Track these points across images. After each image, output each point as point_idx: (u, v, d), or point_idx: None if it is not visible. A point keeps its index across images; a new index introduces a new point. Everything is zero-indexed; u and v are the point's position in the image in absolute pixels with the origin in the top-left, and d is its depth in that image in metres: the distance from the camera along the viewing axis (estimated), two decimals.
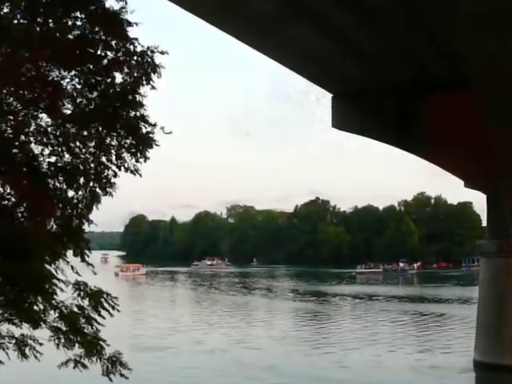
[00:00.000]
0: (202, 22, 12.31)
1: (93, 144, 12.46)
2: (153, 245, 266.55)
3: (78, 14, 12.02)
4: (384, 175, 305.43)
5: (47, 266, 11.98)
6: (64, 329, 11.86)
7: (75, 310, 12.12)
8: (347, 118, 17.19)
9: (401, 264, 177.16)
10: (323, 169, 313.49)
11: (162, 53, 12.43)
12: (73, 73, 12.14)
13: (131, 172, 12.65)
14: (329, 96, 17.26)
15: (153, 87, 12.52)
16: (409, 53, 13.14)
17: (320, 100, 17.79)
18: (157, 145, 12.68)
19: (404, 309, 77.19)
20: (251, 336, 54.37)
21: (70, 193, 12.57)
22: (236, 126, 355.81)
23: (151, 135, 12.61)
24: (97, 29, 12.04)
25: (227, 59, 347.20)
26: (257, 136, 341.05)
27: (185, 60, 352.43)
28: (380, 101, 15.87)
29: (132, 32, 12.28)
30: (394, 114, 15.97)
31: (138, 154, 12.61)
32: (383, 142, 17.64)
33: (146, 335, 53.70)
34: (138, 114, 12.62)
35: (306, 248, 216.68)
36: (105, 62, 12.25)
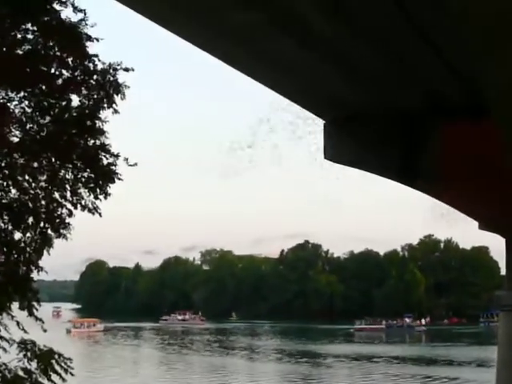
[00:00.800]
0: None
1: (44, 177, 12.39)
2: (114, 296, 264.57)
3: (29, 25, 11.99)
4: (385, 215, 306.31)
5: None
6: None
7: (20, 373, 11.97)
8: (342, 148, 17.20)
9: (406, 319, 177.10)
10: (313, 209, 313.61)
11: (127, 70, 12.40)
12: (22, 94, 12.09)
13: (89, 211, 12.57)
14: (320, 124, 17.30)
15: (115, 111, 12.49)
16: (414, 72, 13.18)
17: (311, 130, 17.82)
18: (119, 179, 12.62)
19: (411, 372, 76.94)
20: None
21: (17, 235, 12.48)
22: (217, 161, 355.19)
23: (113, 167, 12.56)
24: (51, 43, 12.03)
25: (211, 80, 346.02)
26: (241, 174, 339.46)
27: (156, 79, 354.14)
28: (382, 129, 15.91)
29: (92, 48, 12.32)
30: (397, 144, 15.99)
31: (98, 190, 12.53)
32: (385, 177, 17.68)
33: None
34: (97, 142, 12.56)
35: (294, 300, 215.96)
36: (59, 81, 12.23)
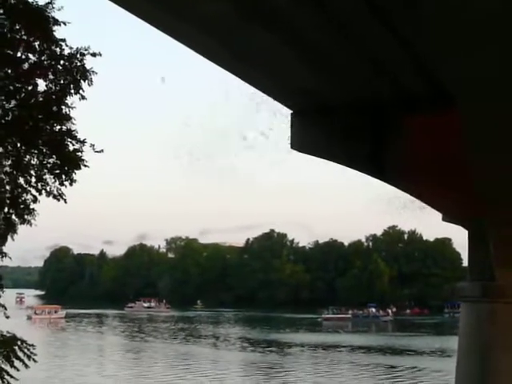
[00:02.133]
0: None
1: (9, 162, 12.27)
2: (78, 283, 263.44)
3: None
4: (349, 205, 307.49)
5: None
6: None
7: None
8: (309, 138, 17.18)
9: (373, 310, 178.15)
10: (278, 199, 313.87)
11: (94, 55, 12.29)
12: None
13: (54, 197, 12.46)
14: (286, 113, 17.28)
15: (82, 97, 12.38)
16: (379, 63, 13.15)
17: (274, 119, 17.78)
18: (85, 165, 12.52)
19: (374, 361, 77.49)
20: None
21: None
22: (179, 145, 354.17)
23: (79, 154, 12.46)
24: (17, 27, 11.90)
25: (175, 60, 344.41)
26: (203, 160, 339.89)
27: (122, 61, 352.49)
28: (348, 119, 15.91)
29: (59, 32, 12.19)
30: (364, 136, 16.01)
31: (63, 176, 12.43)
32: (352, 168, 17.70)
33: None
34: (63, 128, 12.45)
35: (259, 289, 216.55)
36: (26, 66, 12.10)
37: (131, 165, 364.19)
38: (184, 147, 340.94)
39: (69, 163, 12.39)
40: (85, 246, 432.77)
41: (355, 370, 70.59)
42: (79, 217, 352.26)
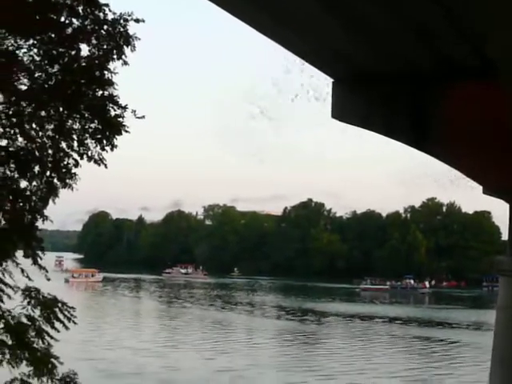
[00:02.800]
0: None
1: (51, 127, 12.35)
2: (116, 248, 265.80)
3: None
4: (386, 177, 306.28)
5: None
6: (10, 342, 11.79)
7: (24, 320, 12.06)
8: (349, 107, 17.08)
9: (411, 281, 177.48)
10: (319, 167, 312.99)
11: (137, 21, 12.27)
12: (31, 42, 12.00)
13: (95, 162, 12.54)
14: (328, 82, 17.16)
15: (125, 62, 12.39)
16: (422, 30, 12.97)
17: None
18: (127, 131, 12.56)
19: (411, 333, 77.39)
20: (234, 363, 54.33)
21: (23, 183, 12.49)
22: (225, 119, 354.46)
23: (121, 119, 12.51)
24: None
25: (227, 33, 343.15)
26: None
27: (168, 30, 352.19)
28: (389, 88, 15.78)
29: None
30: (405, 105, 15.88)
31: (104, 141, 12.49)
32: (391, 138, 17.58)
33: (108, 357, 53.60)
34: (106, 93, 12.50)
35: (296, 258, 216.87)
36: (69, 30, 12.14)
37: (172, 131, 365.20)
38: (224, 121, 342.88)
39: (110, 128, 12.44)
40: (123, 211, 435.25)
41: (391, 341, 70.63)
42: (117, 181, 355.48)
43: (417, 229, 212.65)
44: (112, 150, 12.61)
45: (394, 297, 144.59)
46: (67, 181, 12.53)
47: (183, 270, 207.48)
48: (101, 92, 12.46)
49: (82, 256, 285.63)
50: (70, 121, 12.43)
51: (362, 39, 13.77)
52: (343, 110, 16.79)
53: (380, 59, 14.94)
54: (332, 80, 16.89)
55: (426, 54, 14.41)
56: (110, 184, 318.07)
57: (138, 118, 12.51)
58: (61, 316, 12.26)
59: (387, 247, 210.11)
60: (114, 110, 12.48)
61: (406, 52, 14.36)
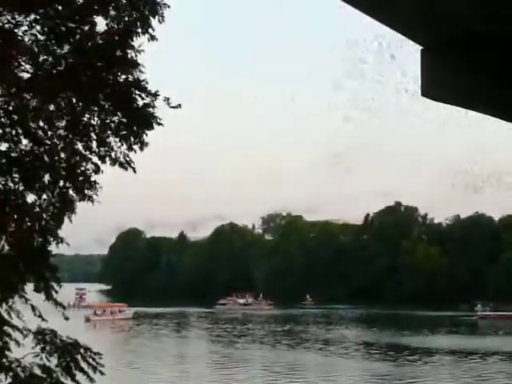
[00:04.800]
0: None
1: (63, 124, 12.40)
2: (152, 274, 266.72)
3: None
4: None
5: None
6: None
7: (37, 372, 12.11)
8: (446, 81, 17.03)
9: None
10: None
11: None
12: (32, 17, 12.02)
13: (121, 165, 12.55)
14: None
15: (152, 37, 12.34)
16: None
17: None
18: (159, 123, 12.55)
19: None
20: None
21: (30, 197, 12.54)
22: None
23: (150, 110, 12.52)
24: None
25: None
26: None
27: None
28: (497, 55, 15.75)
29: None
30: (503, 77, 15.84)
31: (132, 139, 12.48)
32: (499, 118, 17.51)
33: None
34: (130, 78, 12.49)
35: (382, 279, 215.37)
36: (80, 0, 12.17)
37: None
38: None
39: (138, 122, 12.41)
40: (158, 226, 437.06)
41: None
42: (150, 189, 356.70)
43: None
44: (142, 149, 12.59)
45: None
46: (86, 191, 12.56)
47: (241, 300, 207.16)
48: (124, 76, 12.42)
49: (108, 287, 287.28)
50: (87, 115, 12.44)
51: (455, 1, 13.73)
52: (437, 85, 16.70)
53: (474, 24, 14.87)
54: (421, 48, 16.86)
55: None
56: (142, 193, 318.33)
57: (173, 107, 12.47)
58: (84, 365, 12.29)
59: (503, 261, 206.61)
60: (142, 99, 12.43)
61: (501, 16, 14.26)
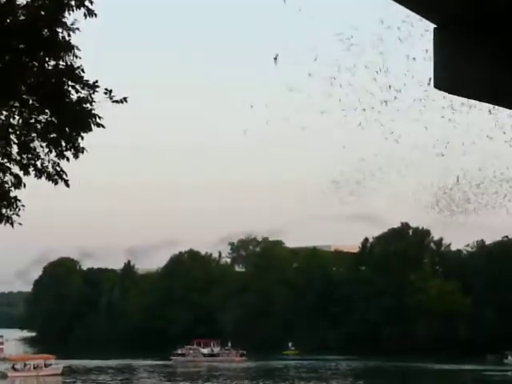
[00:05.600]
0: None
1: None
2: (89, 317, 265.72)
3: None
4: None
5: None
6: None
7: None
8: (464, 69, 17.29)
9: None
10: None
11: None
12: None
13: (49, 178, 12.51)
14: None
15: (90, 12, 12.32)
16: None
17: None
18: (99, 124, 12.52)
19: None
20: None
21: None
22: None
23: (88, 106, 12.45)
24: None
25: None
26: None
27: None
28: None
29: None
30: None
31: (63, 143, 12.44)
32: None
33: None
34: (61, 64, 12.43)
35: (385, 322, 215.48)
36: None
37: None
38: None
39: (71, 122, 12.37)
40: (97, 256, 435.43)
41: None
42: (84, 212, 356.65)
43: None
44: (76, 156, 12.56)
45: None
46: (5, 212, 12.51)
47: (205, 350, 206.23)
48: (53, 62, 12.36)
49: (33, 333, 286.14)
50: (4, 112, 12.39)
51: None
52: (453, 74, 16.84)
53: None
54: (434, 26, 17.05)
55: None
56: (74, 213, 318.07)
57: (116, 101, 12.47)
58: None
59: None
60: (77, 92, 12.40)
61: None
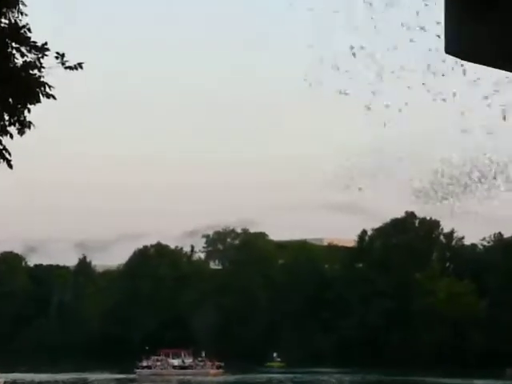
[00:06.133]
0: None
1: None
2: (36, 322, 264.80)
3: None
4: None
5: None
6: None
7: None
8: (479, 31, 17.27)
9: None
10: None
11: None
12: None
13: None
14: None
15: None
16: None
17: None
18: (49, 95, 12.52)
19: None
20: None
21: None
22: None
23: (36, 73, 12.43)
24: None
25: None
26: None
27: None
28: None
29: None
30: None
31: (6, 117, 12.45)
32: None
33: None
34: (3, 22, 12.42)
35: (386, 329, 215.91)
36: None
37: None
38: None
39: (16, 91, 12.38)
40: (45, 250, 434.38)
41: None
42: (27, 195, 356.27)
43: None
44: (22, 132, 12.58)
45: None
46: None
47: (175, 361, 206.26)
48: None
49: None
50: None
51: None
52: (465, 40, 16.89)
53: None
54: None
55: None
56: (16, 199, 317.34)
57: (69, 67, 12.48)
58: None
59: None
60: (22, 55, 12.40)
61: None
